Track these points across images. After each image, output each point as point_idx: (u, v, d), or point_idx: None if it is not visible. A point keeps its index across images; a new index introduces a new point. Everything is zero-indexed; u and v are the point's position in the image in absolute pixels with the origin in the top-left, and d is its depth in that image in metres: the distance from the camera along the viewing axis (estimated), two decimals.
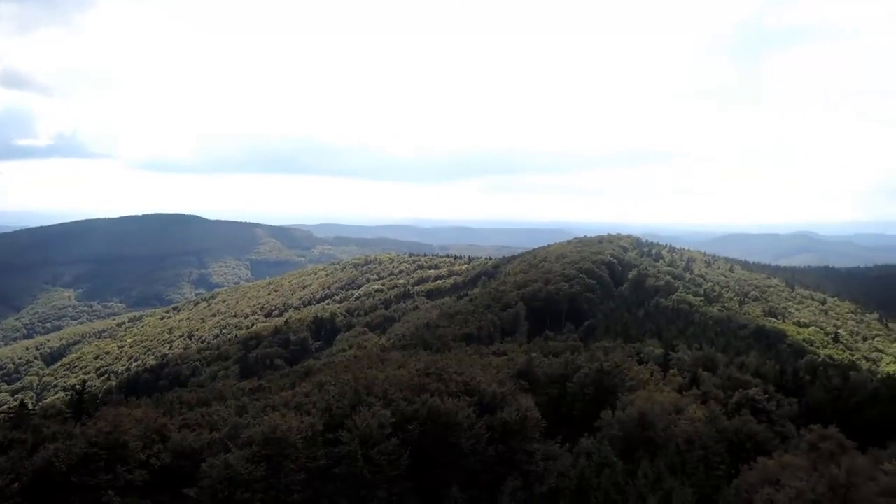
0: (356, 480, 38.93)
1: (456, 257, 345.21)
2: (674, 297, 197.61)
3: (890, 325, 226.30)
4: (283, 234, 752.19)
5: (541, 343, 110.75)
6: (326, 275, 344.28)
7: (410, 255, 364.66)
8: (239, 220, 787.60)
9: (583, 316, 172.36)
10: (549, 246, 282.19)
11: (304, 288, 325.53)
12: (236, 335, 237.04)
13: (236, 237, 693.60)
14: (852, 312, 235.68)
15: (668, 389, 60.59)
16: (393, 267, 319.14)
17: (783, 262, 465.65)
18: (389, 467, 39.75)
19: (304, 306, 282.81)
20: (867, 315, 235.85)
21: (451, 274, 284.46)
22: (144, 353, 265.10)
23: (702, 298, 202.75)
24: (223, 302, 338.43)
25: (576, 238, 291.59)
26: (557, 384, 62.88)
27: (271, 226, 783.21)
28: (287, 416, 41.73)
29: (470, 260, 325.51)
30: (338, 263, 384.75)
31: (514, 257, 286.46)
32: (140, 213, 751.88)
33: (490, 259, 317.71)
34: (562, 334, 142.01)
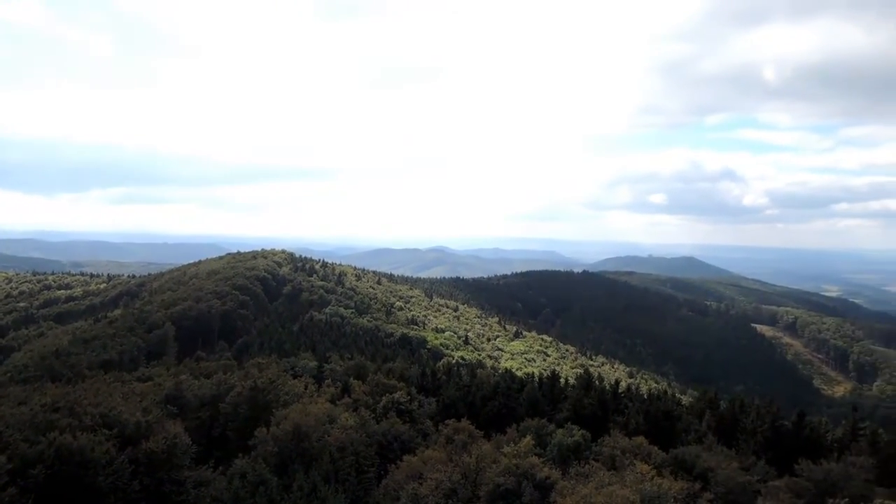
0: None
1: (92, 275, 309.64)
2: (327, 310, 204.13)
3: (507, 326, 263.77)
4: None
5: (191, 364, 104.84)
6: None
7: (34, 273, 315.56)
8: None
9: (237, 333, 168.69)
10: (200, 262, 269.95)
11: None
12: None
13: None
14: (478, 317, 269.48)
15: (322, 400, 62.03)
16: (11, 288, 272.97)
17: (423, 275, 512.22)
18: None
19: None
20: (490, 319, 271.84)
21: (86, 294, 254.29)
22: None
23: (353, 310, 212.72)
24: None
25: (229, 254, 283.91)
26: (210, 406, 60.42)
27: None
28: None
29: (110, 278, 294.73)
30: None
31: (161, 274, 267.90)
32: None
33: (134, 277, 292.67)
34: (215, 354, 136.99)
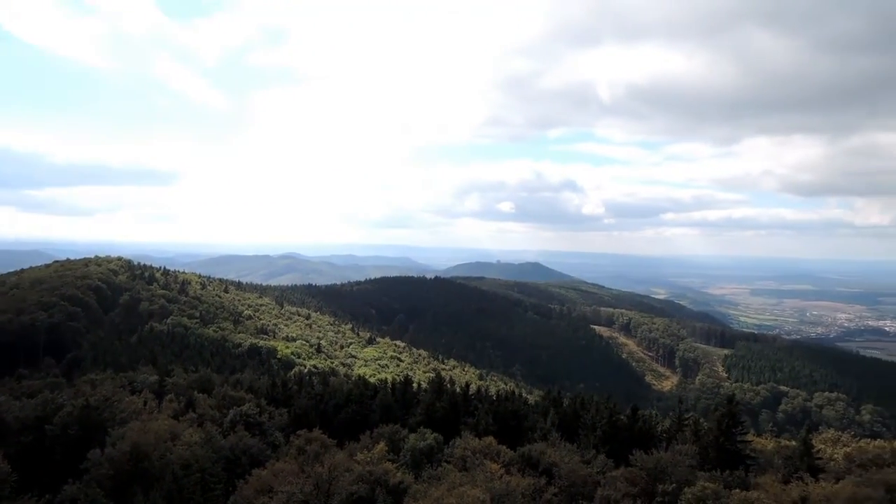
0: None
1: None
2: (169, 320, 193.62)
3: (360, 333, 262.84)
4: None
5: (11, 384, 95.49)
6: None
7: None
8: None
9: (66, 348, 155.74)
10: (22, 270, 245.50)
11: None
12: None
13: None
14: (331, 324, 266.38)
15: (163, 416, 58.90)
16: None
17: (273, 282, 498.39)
18: None
19: None
20: (343, 326, 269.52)
21: None
22: None
23: (197, 320, 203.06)
24: None
25: (56, 261, 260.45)
26: (34, 428, 55.17)
27: None
28: None
29: None
30: None
31: None
32: None
33: None
34: (40, 371, 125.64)
